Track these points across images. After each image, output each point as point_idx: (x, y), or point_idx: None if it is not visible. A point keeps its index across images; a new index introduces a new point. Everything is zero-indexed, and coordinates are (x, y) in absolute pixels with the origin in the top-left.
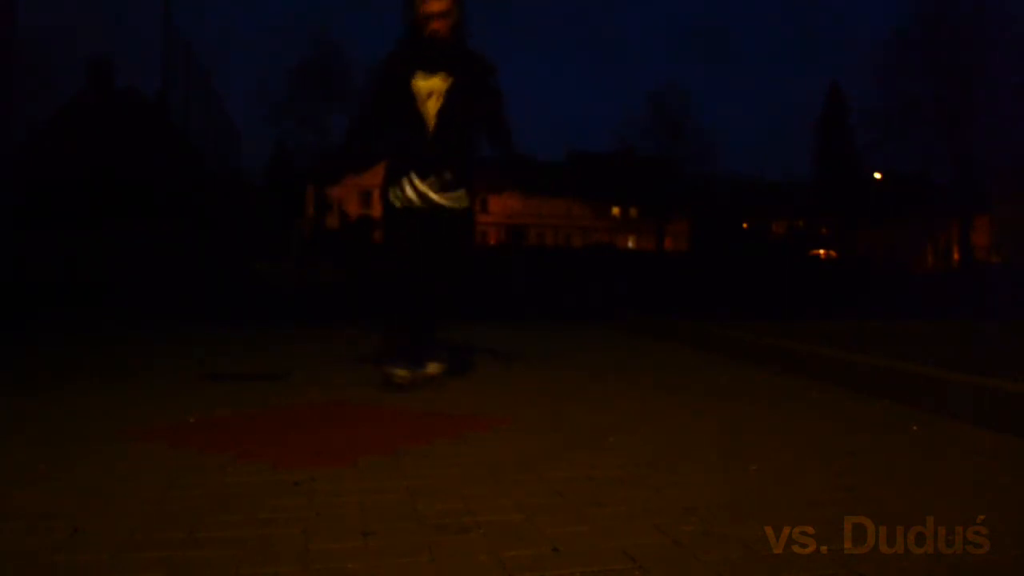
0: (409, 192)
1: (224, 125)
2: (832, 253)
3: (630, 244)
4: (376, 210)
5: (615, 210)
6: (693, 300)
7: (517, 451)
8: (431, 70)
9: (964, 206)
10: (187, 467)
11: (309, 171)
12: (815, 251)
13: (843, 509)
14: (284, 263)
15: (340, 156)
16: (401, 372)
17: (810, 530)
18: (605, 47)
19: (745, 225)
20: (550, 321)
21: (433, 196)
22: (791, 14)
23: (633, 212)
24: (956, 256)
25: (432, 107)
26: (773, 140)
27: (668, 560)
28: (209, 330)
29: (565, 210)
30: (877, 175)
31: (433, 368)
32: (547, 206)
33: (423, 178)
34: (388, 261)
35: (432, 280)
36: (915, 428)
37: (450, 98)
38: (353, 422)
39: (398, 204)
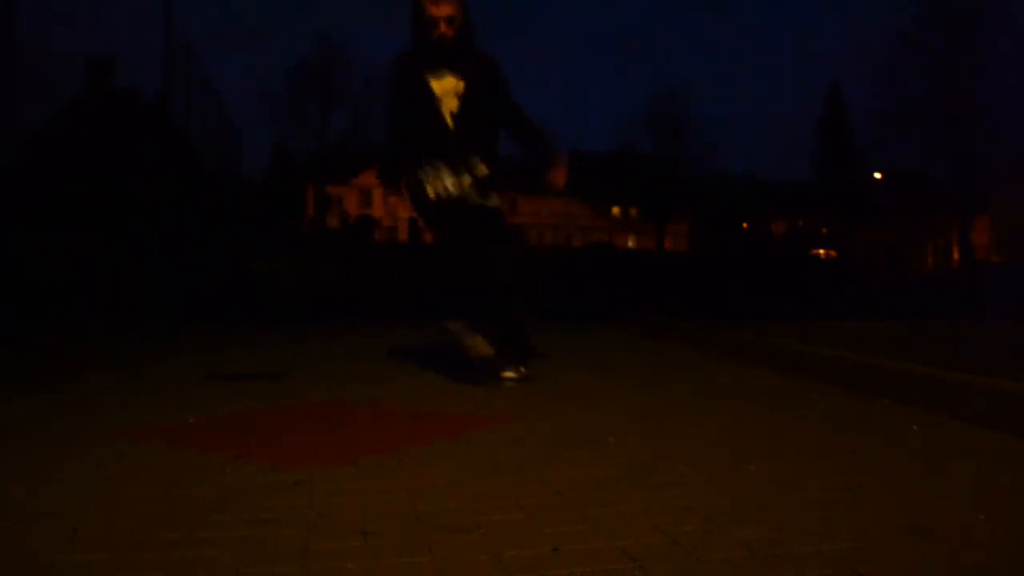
0: (453, 188)
1: (224, 125)
2: (832, 253)
3: (630, 244)
4: (376, 210)
5: (615, 210)
6: (693, 300)
7: (517, 451)
8: (441, 72)
9: (964, 206)
10: (187, 467)
11: (309, 171)
12: (815, 251)
13: (843, 509)
14: (283, 263)
15: (386, 159)
16: (511, 373)
17: (810, 530)
18: (605, 46)
19: (745, 225)
20: (550, 321)
21: (475, 197)
22: (792, 13)
23: (633, 212)
24: (956, 256)
25: (448, 106)
26: (773, 140)
27: (668, 560)
28: (208, 330)
29: (565, 210)
30: (877, 175)
31: (514, 372)
32: (547, 206)
33: (452, 174)
34: (449, 251)
35: (497, 271)
36: (915, 428)
37: (465, 98)
38: (353, 422)
39: (432, 195)
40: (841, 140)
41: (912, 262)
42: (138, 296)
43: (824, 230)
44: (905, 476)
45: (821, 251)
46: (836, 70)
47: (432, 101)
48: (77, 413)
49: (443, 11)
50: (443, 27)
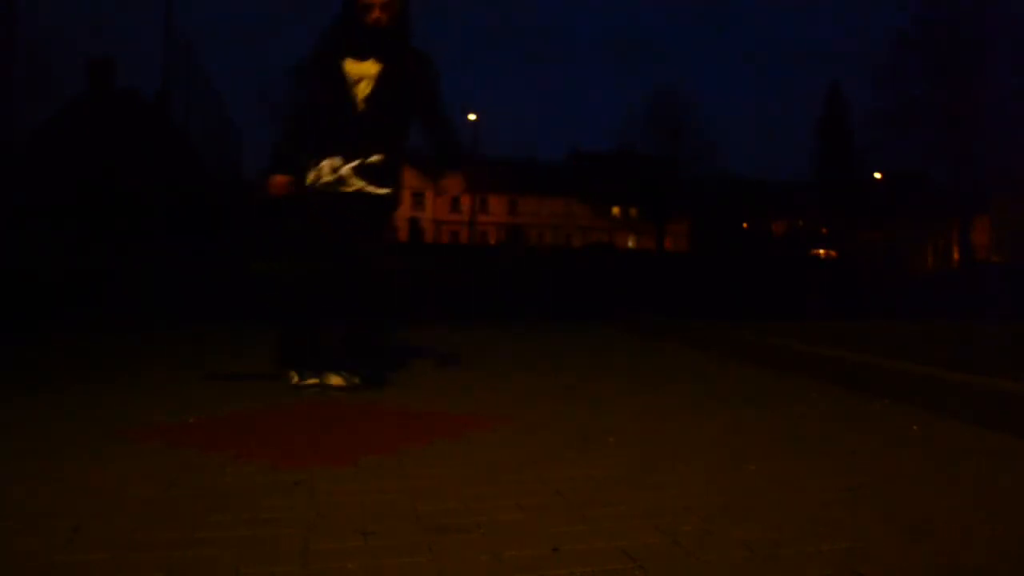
0: (327, 174)
1: (224, 125)
2: (832, 253)
3: (630, 244)
4: None
5: (615, 210)
6: (693, 300)
7: (517, 451)
8: (363, 56)
9: (964, 206)
10: (187, 467)
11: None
12: (815, 251)
13: (843, 509)
14: (283, 263)
15: (281, 149)
16: (297, 377)
17: (810, 530)
18: (606, 46)
19: (745, 225)
20: (550, 321)
21: (355, 180)
22: (792, 13)
23: (633, 212)
24: (956, 256)
25: (361, 91)
26: (774, 140)
27: (668, 560)
28: (208, 330)
29: (565, 210)
30: (877, 175)
31: (336, 379)
32: (547, 206)
33: (347, 161)
34: (297, 248)
35: (348, 271)
36: (915, 428)
37: (380, 85)
38: (353, 422)
39: (316, 185)
40: (841, 140)
41: (912, 262)
42: (138, 296)
43: (824, 230)
44: (905, 476)
45: (821, 251)
46: (836, 70)
47: (344, 82)
48: (77, 412)
49: None
50: (377, 12)
